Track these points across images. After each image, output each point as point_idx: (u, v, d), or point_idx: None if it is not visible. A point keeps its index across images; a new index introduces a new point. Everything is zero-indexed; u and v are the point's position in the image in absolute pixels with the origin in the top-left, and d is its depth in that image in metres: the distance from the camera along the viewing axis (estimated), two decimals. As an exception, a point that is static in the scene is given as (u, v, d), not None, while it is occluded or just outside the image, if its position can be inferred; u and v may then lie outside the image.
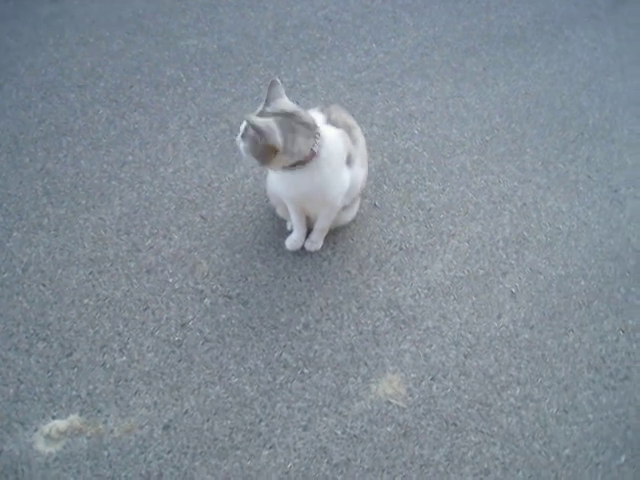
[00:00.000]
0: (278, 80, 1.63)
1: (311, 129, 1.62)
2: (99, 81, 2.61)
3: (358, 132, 1.82)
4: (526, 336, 1.87)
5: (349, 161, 1.73)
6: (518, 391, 1.75)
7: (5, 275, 1.89)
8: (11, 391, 1.64)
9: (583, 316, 1.94)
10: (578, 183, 2.36)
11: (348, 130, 1.75)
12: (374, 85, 2.70)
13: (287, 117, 1.58)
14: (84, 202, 2.12)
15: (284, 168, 1.66)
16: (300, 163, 1.63)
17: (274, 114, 1.58)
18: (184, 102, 2.53)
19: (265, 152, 1.57)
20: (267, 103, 1.62)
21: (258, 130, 1.52)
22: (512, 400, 1.73)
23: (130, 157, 2.29)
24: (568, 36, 3.16)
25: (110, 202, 2.12)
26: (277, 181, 1.78)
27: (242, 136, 1.61)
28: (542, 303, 1.96)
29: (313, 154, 1.62)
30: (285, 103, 1.62)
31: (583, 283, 2.03)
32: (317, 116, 1.72)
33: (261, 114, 1.59)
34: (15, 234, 2.00)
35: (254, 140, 1.56)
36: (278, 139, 1.55)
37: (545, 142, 2.53)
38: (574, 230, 2.19)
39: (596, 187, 2.36)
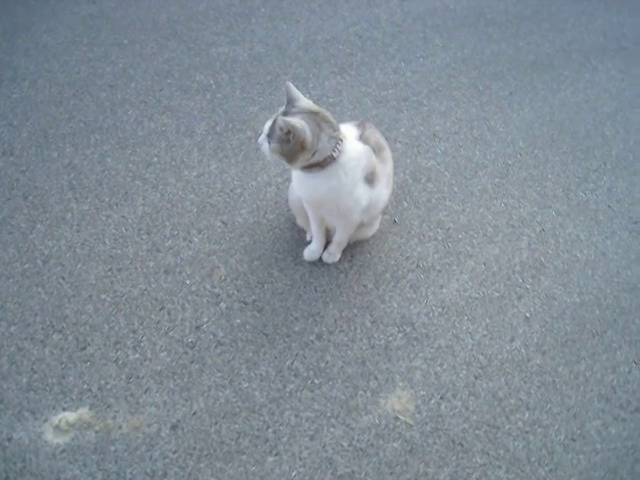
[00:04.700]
0: (290, 83, 1.68)
1: (335, 129, 1.66)
2: (130, 82, 2.66)
3: (387, 154, 1.85)
4: (538, 361, 1.86)
5: (372, 179, 1.75)
6: (527, 416, 1.74)
7: (26, 266, 1.93)
8: (24, 380, 1.66)
9: (596, 345, 1.93)
10: (598, 212, 2.36)
11: (378, 149, 1.78)
12: (400, 103, 2.73)
13: (313, 114, 1.63)
14: (108, 199, 2.15)
15: (303, 168, 1.69)
16: (318, 165, 1.66)
17: (300, 112, 1.62)
18: (212, 108, 2.57)
19: (294, 150, 1.60)
20: (290, 104, 1.66)
21: (293, 128, 1.55)
22: (520, 424, 1.72)
23: (155, 158, 2.32)
24: (595, 66, 3.17)
25: (133, 201, 2.15)
26: (296, 182, 1.81)
27: (268, 135, 1.64)
28: (555, 329, 1.95)
29: (332, 159, 1.65)
30: (308, 102, 1.67)
31: (598, 312, 2.02)
32: (352, 130, 1.75)
33: (286, 113, 1.63)
34: (39, 226, 2.04)
35: (283, 139, 1.59)
36: (308, 135, 1.58)
37: (567, 170, 2.53)
38: (591, 259, 2.19)
39: (616, 217, 2.35)
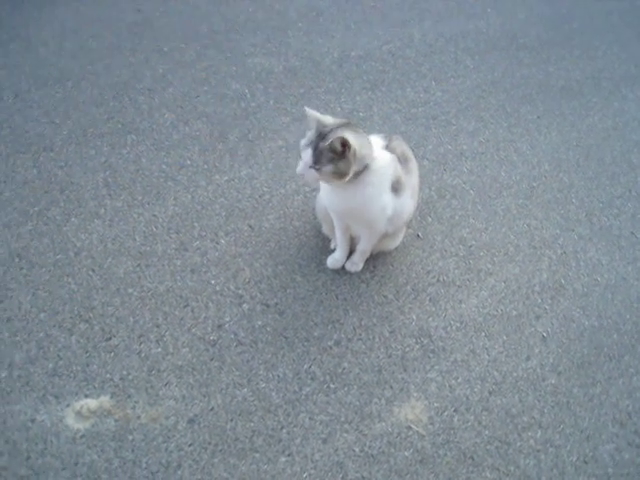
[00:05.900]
0: (308, 108, 1.69)
1: (365, 136, 1.71)
2: (168, 87, 2.75)
3: (414, 165, 1.88)
4: (552, 381, 1.87)
5: (397, 189, 1.78)
6: (539, 434, 1.74)
7: (58, 257, 1.99)
8: (50, 365, 1.72)
9: (612, 369, 1.93)
10: (621, 238, 2.36)
11: (404, 160, 1.81)
12: (429, 121, 2.77)
13: (346, 125, 1.66)
14: (140, 198, 2.22)
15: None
16: (355, 174, 1.66)
17: (337, 127, 1.63)
18: (245, 116, 2.64)
19: (349, 163, 1.60)
20: (319, 126, 1.64)
21: (347, 141, 1.56)
22: (532, 442, 1.72)
23: (188, 161, 2.39)
24: (625, 94, 3.18)
25: (164, 201, 2.22)
26: (324, 193, 1.84)
27: (314, 163, 1.61)
28: (572, 351, 1.96)
29: (365, 166, 1.67)
30: (333, 118, 1.69)
31: (616, 336, 2.02)
32: (378, 141, 1.79)
33: (323, 135, 1.61)
34: (73, 220, 2.11)
35: (337, 157, 1.59)
36: (357, 144, 1.61)
37: (591, 194, 2.54)
38: (612, 284, 2.19)
39: (639, 244, 2.34)
